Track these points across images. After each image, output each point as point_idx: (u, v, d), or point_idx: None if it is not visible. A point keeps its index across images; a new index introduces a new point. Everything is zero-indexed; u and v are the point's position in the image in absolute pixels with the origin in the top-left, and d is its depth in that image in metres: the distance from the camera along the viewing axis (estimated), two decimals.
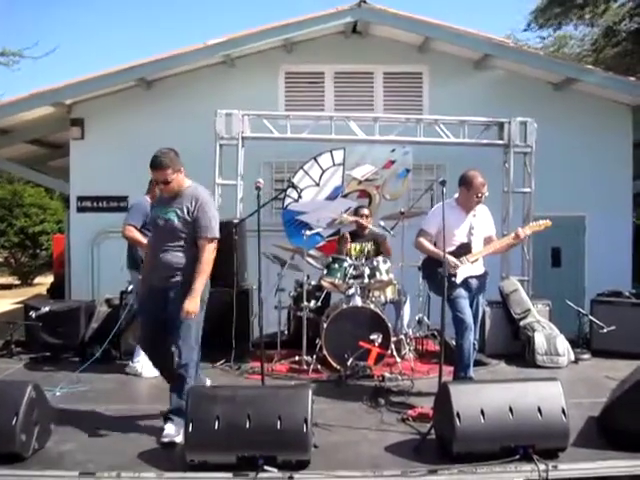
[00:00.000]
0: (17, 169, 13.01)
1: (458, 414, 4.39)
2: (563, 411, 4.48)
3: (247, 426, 4.27)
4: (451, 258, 5.91)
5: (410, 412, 5.47)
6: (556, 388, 4.61)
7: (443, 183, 5.56)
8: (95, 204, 10.92)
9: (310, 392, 4.46)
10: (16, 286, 23.68)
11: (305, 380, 6.77)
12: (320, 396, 6.12)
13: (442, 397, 4.68)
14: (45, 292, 19.20)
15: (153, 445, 4.84)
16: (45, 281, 22.49)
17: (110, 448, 4.81)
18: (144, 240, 6.79)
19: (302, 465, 4.31)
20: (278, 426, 4.26)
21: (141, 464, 4.49)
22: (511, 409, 4.44)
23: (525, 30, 18.74)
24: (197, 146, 9.49)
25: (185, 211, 5.05)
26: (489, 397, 4.53)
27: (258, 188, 5.61)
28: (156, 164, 5.05)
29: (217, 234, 5.18)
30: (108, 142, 10.89)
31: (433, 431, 4.86)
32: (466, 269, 6.03)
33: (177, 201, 5.12)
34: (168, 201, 5.18)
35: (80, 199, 11.01)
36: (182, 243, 5.10)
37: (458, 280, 5.97)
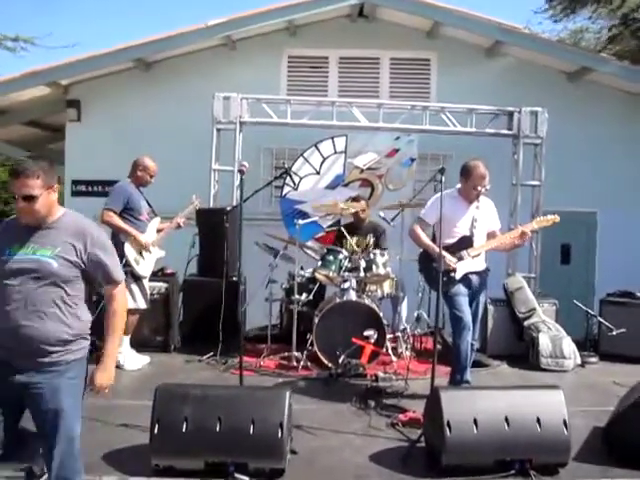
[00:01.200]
0: (12, 151, 12.69)
1: (449, 423, 4.03)
2: (565, 423, 4.11)
3: (217, 429, 3.93)
4: (448, 257, 5.52)
5: (400, 416, 5.12)
6: (558, 397, 4.23)
7: (442, 171, 5.18)
8: (90, 188, 10.59)
9: (288, 395, 4.09)
10: None
11: (293, 378, 6.44)
12: (307, 395, 5.84)
13: (432, 403, 4.31)
14: None
15: (121, 445, 4.49)
16: None
17: None
18: (124, 225, 6.47)
19: (276, 474, 3.98)
20: (251, 431, 3.91)
21: (104, 466, 4.16)
22: (507, 419, 4.06)
23: (538, 12, 18.18)
24: (196, 130, 9.32)
25: (71, 251, 3.26)
26: (483, 405, 4.16)
27: (241, 172, 5.19)
28: (19, 170, 3.19)
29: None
30: (105, 125, 10.54)
31: (423, 439, 4.51)
32: (466, 264, 5.66)
33: (50, 235, 3.29)
34: (28, 234, 3.28)
35: (75, 183, 10.70)
36: (65, 299, 3.28)
37: (457, 276, 5.60)
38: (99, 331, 6.75)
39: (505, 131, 9.14)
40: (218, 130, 8.93)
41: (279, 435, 3.91)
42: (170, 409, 4.02)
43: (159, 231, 6.95)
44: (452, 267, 5.53)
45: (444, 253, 5.51)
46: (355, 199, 8.09)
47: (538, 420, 4.08)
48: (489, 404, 4.16)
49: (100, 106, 10.57)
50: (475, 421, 4.04)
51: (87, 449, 4.33)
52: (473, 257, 5.68)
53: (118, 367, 6.53)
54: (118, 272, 3.48)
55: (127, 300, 3.68)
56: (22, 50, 21.55)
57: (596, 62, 10.21)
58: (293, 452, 4.29)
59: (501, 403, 4.17)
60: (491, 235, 5.89)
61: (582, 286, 10.59)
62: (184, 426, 3.93)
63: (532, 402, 4.20)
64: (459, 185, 5.85)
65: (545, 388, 4.46)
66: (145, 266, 6.68)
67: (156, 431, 3.95)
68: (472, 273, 5.70)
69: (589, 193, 10.29)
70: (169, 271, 7.74)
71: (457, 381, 5.56)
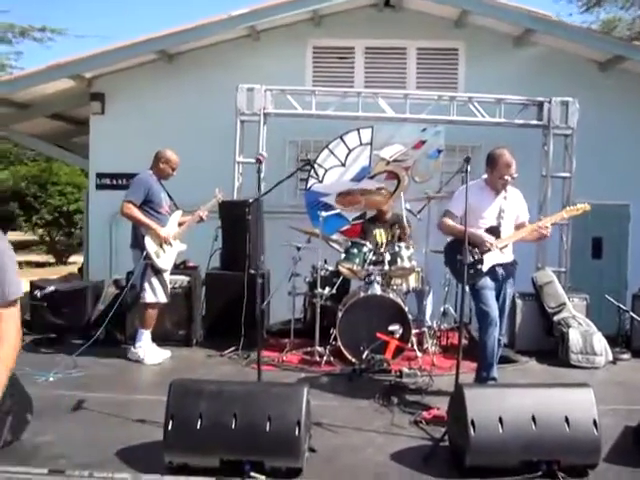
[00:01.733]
0: (38, 144, 12.71)
1: (473, 422, 3.86)
2: (595, 423, 3.91)
3: (233, 426, 3.79)
4: (486, 235, 5.41)
5: (424, 414, 4.96)
6: (587, 395, 4.03)
7: (467, 160, 4.97)
8: (114, 181, 10.53)
9: (305, 391, 3.95)
10: (50, 264, 23.68)
11: (315, 374, 6.32)
12: (329, 391, 5.71)
13: (456, 401, 4.14)
14: (77, 271, 19.06)
15: (136, 442, 4.38)
16: (80, 260, 22.40)
17: (89, 443, 4.38)
18: (144, 218, 6.39)
19: (293, 473, 3.82)
20: (267, 428, 3.77)
21: (117, 463, 4.05)
22: (534, 418, 3.88)
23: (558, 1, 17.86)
24: (220, 123, 9.25)
25: None
26: (509, 403, 3.97)
27: (259, 161, 5.04)
28: None
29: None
30: (129, 117, 10.48)
31: (447, 437, 4.35)
32: (494, 256, 5.47)
33: None
34: None
35: (99, 176, 10.64)
36: None
37: (485, 268, 5.42)
38: (115, 321, 6.78)
39: (535, 122, 8.91)
40: (242, 122, 8.84)
41: (296, 433, 3.77)
42: (185, 405, 3.90)
43: (180, 224, 6.85)
44: (488, 245, 5.39)
45: (481, 232, 5.36)
46: (376, 190, 7.94)
47: (567, 419, 3.89)
48: (515, 402, 3.98)
49: (124, 99, 10.51)
50: (501, 420, 3.87)
51: (102, 445, 4.31)
52: (501, 249, 5.50)
53: (138, 361, 6.50)
54: (9, 289, 2.88)
55: (18, 329, 2.95)
56: (49, 40, 21.54)
57: (630, 50, 9.91)
58: (312, 450, 4.16)
59: (528, 401, 3.99)
60: (520, 227, 5.69)
61: (614, 280, 10.30)
62: (199, 422, 3.81)
63: (560, 400, 4.01)
64: (485, 175, 5.66)
65: (574, 386, 4.25)
66: (166, 259, 6.59)
67: (170, 427, 3.83)
68: (499, 265, 5.52)
69: (621, 185, 9.99)
70: (191, 264, 7.65)
71: (483, 378, 5.38)
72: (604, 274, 10.39)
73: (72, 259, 24.10)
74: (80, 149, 12.82)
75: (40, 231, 24.44)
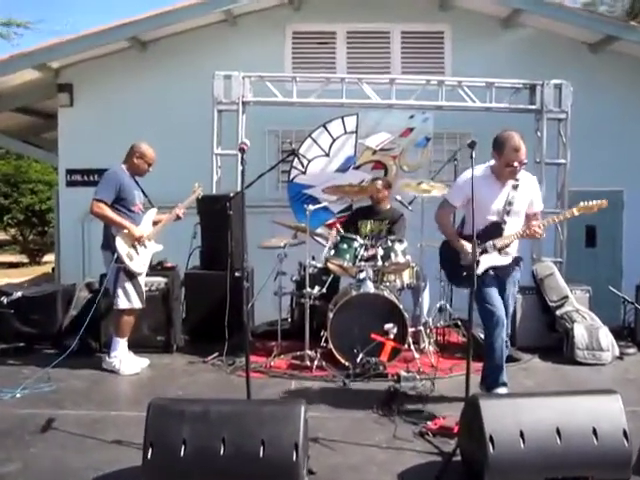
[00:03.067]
0: (3, 140, 12.12)
1: (491, 438, 3.42)
2: (625, 433, 3.50)
3: (221, 452, 3.33)
4: (467, 247, 4.84)
5: (430, 424, 4.52)
6: (615, 403, 3.62)
7: (472, 145, 4.46)
8: (86, 177, 9.99)
9: (303, 410, 3.48)
10: (24, 264, 23.13)
11: (306, 380, 5.86)
12: (323, 401, 5.27)
13: (470, 413, 3.70)
14: (51, 271, 18.56)
15: (111, 467, 3.91)
16: (53, 259, 21.90)
17: (59, 470, 3.91)
18: (116, 217, 5.90)
19: None
20: (261, 453, 3.32)
21: None
22: (559, 431, 3.46)
23: None
24: (196, 113, 8.80)
25: None
26: (531, 415, 3.54)
27: (242, 150, 4.59)
28: None
29: None
30: (100, 109, 9.97)
31: (458, 451, 3.91)
32: (491, 258, 5.00)
33: None
34: None
35: (69, 172, 10.11)
36: None
37: (479, 271, 4.86)
38: (89, 329, 6.32)
39: (528, 106, 8.52)
40: (219, 111, 8.38)
41: (294, 458, 3.31)
42: (165, 429, 3.43)
43: (156, 223, 6.35)
44: (465, 260, 4.90)
45: (464, 243, 4.91)
46: (374, 180, 7.52)
47: (594, 431, 3.48)
48: (537, 414, 3.56)
49: (94, 90, 9.98)
50: (522, 434, 3.45)
51: (73, 473, 3.83)
52: (500, 249, 5.03)
53: (114, 372, 6.03)
54: None
55: None
56: (16, 36, 20.86)
57: (622, 30, 9.51)
58: (311, 472, 3.72)
59: (551, 412, 3.56)
60: (532, 218, 5.18)
61: (609, 269, 10.02)
62: (182, 449, 3.34)
63: (586, 410, 3.59)
64: (492, 162, 5.15)
65: (600, 393, 3.83)
66: (139, 262, 6.09)
67: (149, 455, 3.36)
68: (497, 268, 5.06)
69: (614, 171, 9.67)
70: (169, 264, 7.14)
71: (491, 384, 4.95)
72: (599, 263, 10.11)
73: (46, 258, 23.55)
74: (50, 145, 12.30)
75: (12, 231, 23.88)
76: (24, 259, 23.81)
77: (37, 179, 22.62)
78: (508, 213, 5.02)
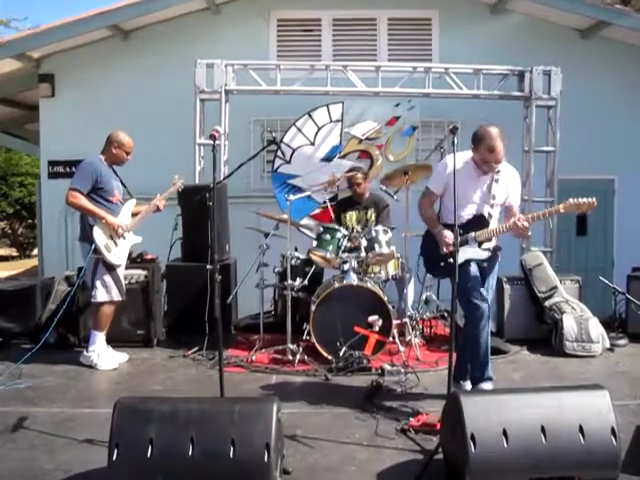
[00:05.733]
0: None
1: (473, 436, 3.27)
2: (613, 431, 3.35)
3: (190, 453, 3.17)
4: (450, 237, 4.68)
5: (412, 421, 4.37)
6: (603, 399, 3.46)
7: (454, 130, 4.27)
8: (68, 169, 9.79)
9: (275, 408, 3.33)
10: (14, 258, 22.97)
11: (289, 374, 5.72)
12: (304, 396, 5.12)
13: (451, 411, 3.54)
14: None
15: (79, 469, 3.75)
16: None
17: (24, 473, 3.74)
18: (92, 207, 5.73)
19: None
20: (231, 454, 3.16)
21: None
22: (544, 429, 3.30)
23: None
24: (179, 103, 8.66)
25: None
26: (514, 413, 3.38)
27: (213, 137, 4.40)
28: None
29: None
30: (82, 100, 9.83)
31: (440, 449, 3.76)
32: (470, 250, 4.82)
33: None
34: None
35: (51, 164, 9.97)
36: None
37: (459, 261, 4.70)
38: (67, 323, 6.17)
39: (516, 93, 8.37)
40: (202, 101, 8.26)
41: (265, 458, 3.15)
42: (131, 429, 3.27)
43: (135, 215, 6.17)
44: (444, 249, 4.73)
45: (445, 232, 4.75)
46: (351, 170, 7.34)
47: (581, 429, 3.33)
48: (521, 411, 3.39)
49: (76, 80, 9.85)
50: (505, 433, 3.29)
51: (39, 475, 3.68)
52: (480, 243, 4.85)
53: (91, 367, 5.87)
54: None
55: None
56: None
57: (614, 15, 9.35)
58: (285, 472, 3.57)
59: (535, 410, 3.40)
60: (507, 211, 5.01)
61: (600, 258, 10.01)
62: (149, 450, 3.18)
63: (573, 407, 3.43)
64: None
65: (587, 389, 3.67)
66: (118, 253, 5.91)
67: (115, 457, 3.20)
68: (477, 261, 4.89)
69: (605, 158, 9.60)
70: (149, 257, 6.96)
71: (477, 379, 4.79)
72: (589, 252, 10.06)
73: (36, 252, 23.40)
74: (34, 136, 12.09)
75: (2, 224, 23.74)
76: (14, 252, 23.68)
77: (26, 172, 22.44)
78: (492, 206, 4.85)
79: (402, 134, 8.82)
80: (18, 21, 25.35)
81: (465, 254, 4.74)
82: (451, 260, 4.28)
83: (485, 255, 4.88)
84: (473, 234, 4.79)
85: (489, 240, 4.86)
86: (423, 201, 5.04)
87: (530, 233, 4.91)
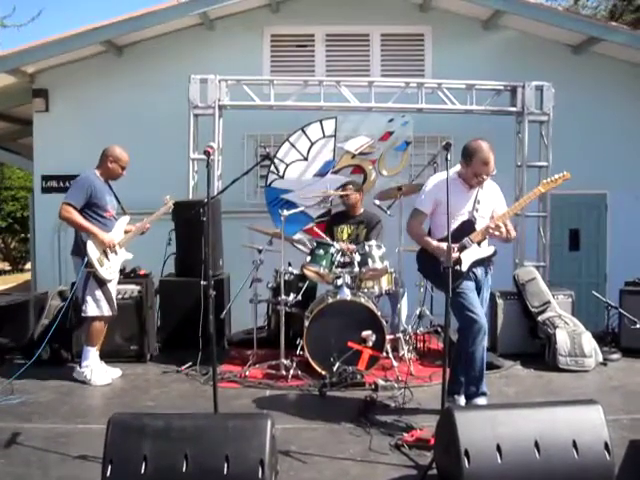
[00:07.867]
0: None
1: (467, 452, 3.28)
2: (606, 446, 3.37)
3: (184, 469, 3.17)
4: (444, 247, 4.70)
5: (406, 436, 4.37)
6: (596, 414, 3.49)
7: (447, 147, 4.32)
8: (62, 184, 9.78)
9: (269, 424, 3.33)
10: (6, 272, 22.88)
11: (283, 389, 5.71)
12: (298, 411, 5.11)
13: (445, 427, 3.55)
14: None
15: None
16: None
17: None
18: (85, 222, 5.73)
19: None
20: (225, 470, 3.16)
21: None
22: (537, 444, 3.32)
23: None
24: (173, 118, 8.67)
25: None
26: (508, 428, 3.40)
27: (207, 153, 4.41)
28: None
29: None
30: (76, 115, 9.85)
31: (435, 465, 3.76)
32: (472, 252, 4.87)
33: None
34: None
35: (45, 178, 9.96)
36: None
37: (464, 267, 4.80)
38: (60, 338, 6.16)
39: (509, 108, 8.43)
40: (196, 116, 8.27)
41: (259, 474, 3.16)
42: (125, 445, 3.27)
43: (127, 232, 6.17)
44: (456, 257, 4.78)
45: (440, 244, 4.78)
46: (346, 185, 7.37)
47: (574, 444, 3.35)
48: (515, 426, 3.41)
49: (70, 95, 9.87)
50: (499, 448, 3.31)
51: None
52: (477, 242, 4.90)
53: (85, 383, 5.86)
54: None
55: None
56: None
57: (605, 31, 9.41)
58: None
59: (529, 425, 3.42)
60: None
61: (593, 273, 10.04)
62: (143, 466, 3.18)
63: (566, 422, 3.45)
64: (458, 167, 5.02)
65: (580, 404, 3.68)
66: (109, 268, 5.91)
67: (109, 473, 3.20)
68: (477, 265, 4.93)
69: (597, 173, 9.58)
70: (143, 272, 6.96)
71: (471, 393, 4.81)
72: (582, 267, 10.10)
73: (28, 266, 23.35)
74: (28, 151, 12.07)
75: None
76: (7, 267, 23.60)
77: (19, 185, 22.42)
78: (477, 211, 4.92)
79: (395, 149, 8.86)
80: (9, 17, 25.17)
81: (469, 257, 4.84)
82: (458, 267, 4.60)
83: (490, 251, 4.98)
84: (467, 238, 4.84)
85: (484, 239, 4.95)
86: (413, 223, 5.07)
87: (514, 234, 5.06)
